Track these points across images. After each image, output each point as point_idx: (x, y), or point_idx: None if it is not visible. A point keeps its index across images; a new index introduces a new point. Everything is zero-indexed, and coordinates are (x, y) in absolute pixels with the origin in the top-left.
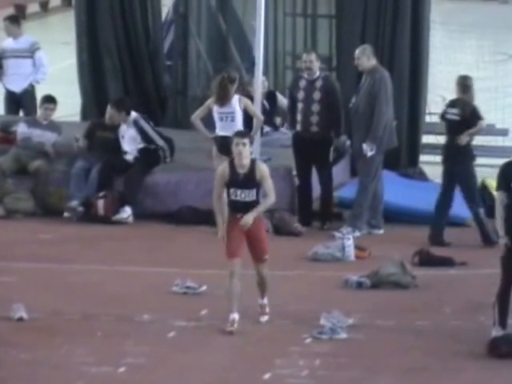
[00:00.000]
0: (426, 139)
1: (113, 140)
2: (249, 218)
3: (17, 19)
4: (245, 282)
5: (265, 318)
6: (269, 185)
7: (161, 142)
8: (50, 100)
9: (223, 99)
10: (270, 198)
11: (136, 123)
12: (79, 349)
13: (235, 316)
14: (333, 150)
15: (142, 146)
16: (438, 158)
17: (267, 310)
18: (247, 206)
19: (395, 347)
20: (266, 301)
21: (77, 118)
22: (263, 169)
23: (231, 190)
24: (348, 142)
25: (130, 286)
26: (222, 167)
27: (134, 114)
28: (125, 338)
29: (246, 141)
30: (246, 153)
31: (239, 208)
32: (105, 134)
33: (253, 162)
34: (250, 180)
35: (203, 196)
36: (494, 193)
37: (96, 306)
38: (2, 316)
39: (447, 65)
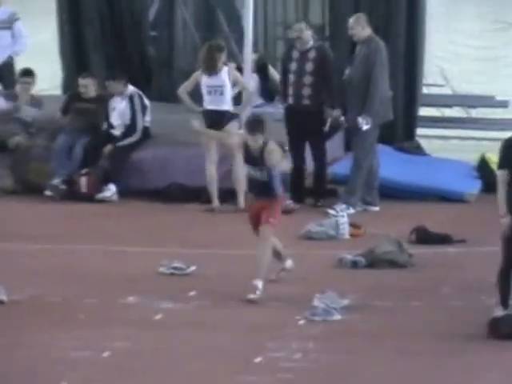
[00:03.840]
0: (423, 111)
1: (92, 110)
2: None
3: None
4: (239, 262)
5: (252, 296)
6: (274, 157)
7: (139, 127)
8: (27, 73)
9: (211, 68)
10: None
11: (131, 98)
12: (61, 333)
13: (258, 283)
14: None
15: (128, 122)
16: (436, 132)
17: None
18: (261, 187)
19: (391, 329)
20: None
21: (58, 91)
22: (270, 147)
23: (247, 167)
24: (342, 117)
25: (114, 267)
26: (244, 139)
27: (131, 88)
28: (109, 322)
29: (257, 136)
30: (255, 144)
31: (255, 186)
32: (83, 105)
33: (264, 144)
34: (260, 158)
35: (192, 172)
36: (495, 168)
37: (79, 287)
38: None
39: (445, 33)
